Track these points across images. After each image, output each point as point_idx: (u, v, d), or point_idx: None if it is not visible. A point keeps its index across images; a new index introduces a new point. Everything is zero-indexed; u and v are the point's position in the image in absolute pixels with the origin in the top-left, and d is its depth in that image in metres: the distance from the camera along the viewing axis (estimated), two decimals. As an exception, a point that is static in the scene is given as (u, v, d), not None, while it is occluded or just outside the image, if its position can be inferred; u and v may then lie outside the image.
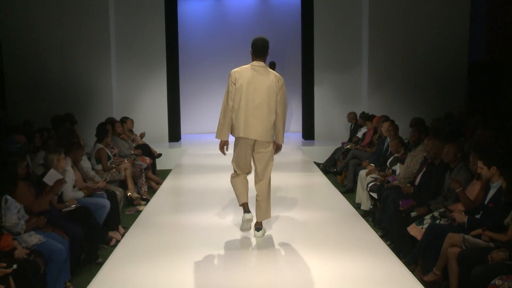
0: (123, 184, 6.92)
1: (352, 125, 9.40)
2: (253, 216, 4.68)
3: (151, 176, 7.84)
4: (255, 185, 4.72)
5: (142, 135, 8.97)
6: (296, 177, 7.37)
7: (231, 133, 4.65)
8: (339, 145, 9.23)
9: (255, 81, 4.57)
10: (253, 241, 4.61)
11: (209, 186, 6.74)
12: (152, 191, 7.45)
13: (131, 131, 8.64)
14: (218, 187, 6.57)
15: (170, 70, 10.81)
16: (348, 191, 7.45)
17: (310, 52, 10.83)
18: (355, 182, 7.33)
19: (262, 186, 4.67)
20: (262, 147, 4.64)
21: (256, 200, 4.69)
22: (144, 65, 10.74)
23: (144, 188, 7.23)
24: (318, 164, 8.60)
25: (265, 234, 4.70)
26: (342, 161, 8.19)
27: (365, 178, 6.55)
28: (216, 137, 4.66)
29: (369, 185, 6.19)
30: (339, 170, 8.16)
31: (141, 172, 7.26)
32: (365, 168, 6.95)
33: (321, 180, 7.06)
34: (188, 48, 12.02)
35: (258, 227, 4.69)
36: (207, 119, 12.19)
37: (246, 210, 4.64)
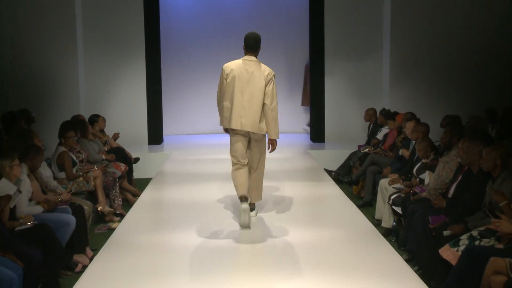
0: (92, 196, 6.88)
1: (371, 125, 9.35)
2: (249, 208, 5.52)
3: (126, 187, 7.84)
4: (249, 171, 5.79)
5: (116, 137, 8.93)
6: (303, 188, 7.38)
7: (223, 125, 5.73)
8: (355, 148, 9.24)
9: (246, 74, 5.59)
10: (251, 267, 4.62)
11: (197, 198, 6.73)
12: (127, 204, 7.45)
13: (102, 131, 8.58)
14: (208, 200, 6.58)
15: (150, 59, 10.80)
16: (366, 205, 7.44)
17: (320, 36, 10.79)
18: (374, 194, 7.34)
19: (256, 178, 5.85)
20: (257, 139, 5.71)
21: (249, 185, 5.72)
22: (118, 52, 10.72)
23: (118, 201, 7.21)
24: (329, 172, 8.62)
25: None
26: (359, 168, 8.19)
27: (386, 188, 6.55)
28: (220, 125, 5.84)
29: (392, 198, 6.18)
30: (354, 179, 8.16)
31: (115, 181, 7.25)
32: (386, 176, 6.93)
33: (333, 191, 7.06)
34: (172, 33, 12.00)
35: (252, 207, 5.86)
36: (195, 117, 12.26)
37: (244, 200, 5.53)
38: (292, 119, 12.40)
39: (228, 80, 5.65)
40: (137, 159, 8.95)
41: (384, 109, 9.02)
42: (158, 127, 11.11)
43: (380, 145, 8.39)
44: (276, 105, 5.64)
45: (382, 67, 10.80)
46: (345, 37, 10.78)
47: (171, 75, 12.11)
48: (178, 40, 12.16)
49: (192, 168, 8.59)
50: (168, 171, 8.60)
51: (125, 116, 10.75)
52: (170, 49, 12.01)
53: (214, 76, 11.61)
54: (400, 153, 7.37)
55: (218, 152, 9.74)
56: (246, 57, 5.70)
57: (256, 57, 5.70)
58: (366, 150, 8.46)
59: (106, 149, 8.21)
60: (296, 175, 8.07)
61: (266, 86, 5.60)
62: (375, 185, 7.44)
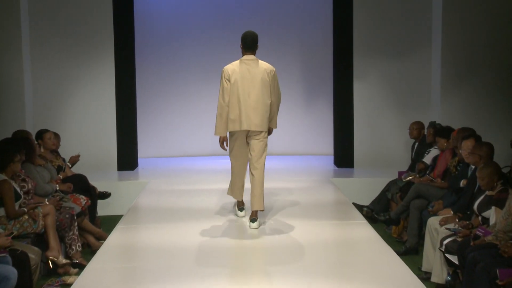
0: (41, 241, 6.79)
1: (416, 144, 9.35)
2: (245, 214, 7.30)
3: (88, 227, 7.80)
4: (250, 174, 7.17)
5: (75, 160, 8.94)
6: (326, 229, 7.35)
7: (232, 129, 6.98)
8: (394, 176, 9.23)
9: (248, 75, 6.96)
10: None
11: (181, 243, 6.71)
12: (89, 251, 7.45)
13: (55, 153, 8.55)
14: (194, 245, 6.55)
15: (121, 60, 10.96)
16: (410, 252, 7.42)
17: (347, 29, 10.90)
18: (421, 237, 7.33)
19: (257, 175, 7.08)
20: (256, 135, 7.04)
21: (252, 189, 7.06)
22: (78, 52, 10.84)
23: (76, 247, 7.13)
24: (360, 207, 8.62)
25: (260, 226, 7.02)
26: (400, 202, 8.18)
27: (437, 230, 6.52)
28: (216, 134, 7.15)
29: (445, 243, 6.13)
30: (394, 217, 8.15)
31: (72, 220, 7.17)
32: (437, 214, 6.91)
33: (365, 233, 7.02)
34: (150, 28, 12.24)
35: (253, 218, 7.09)
36: (178, 136, 12.50)
37: (240, 207, 7.47)
38: (310, 137, 12.50)
39: (231, 82, 6.98)
40: (106, 194, 8.94)
41: (433, 123, 9.00)
42: (132, 148, 11.17)
43: (428, 172, 8.38)
44: (280, 101, 7.21)
45: (431, 68, 10.89)
46: (380, 30, 10.89)
47: (148, 82, 12.28)
48: (158, 36, 12.32)
49: (176, 202, 8.57)
50: (143, 206, 8.59)
51: (87, 134, 10.83)
52: (148, 48, 12.17)
53: (204, 83, 12.04)
54: (461, 184, 7.26)
55: (209, 180, 9.88)
56: (245, 57, 7.09)
57: (254, 55, 7.07)
58: (410, 178, 8.47)
59: (60, 176, 8.15)
60: (316, 212, 8.03)
61: (270, 85, 7.03)
62: (421, 226, 7.41)
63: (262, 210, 7.19)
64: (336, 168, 11.12)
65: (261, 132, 7.09)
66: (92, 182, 8.79)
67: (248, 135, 7.15)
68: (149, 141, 12.33)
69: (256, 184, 7.14)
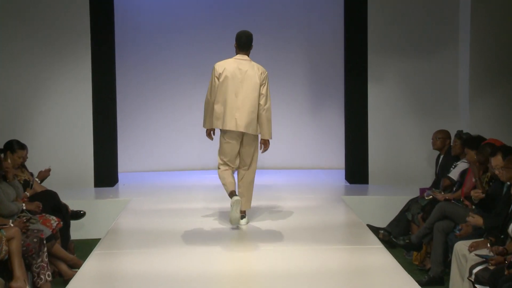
0: (4, 269, 6.72)
1: (441, 156, 9.39)
2: (240, 200, 7.74)
3: (59, 253, 7.75)
4: (238, 175, 8.15)
5: (44, 175, 8.90)
6: (337, 254, 7.35)
7: (216, 126, 7.89)
8: (415, 193, 9.27)
9: (239, 74, 7.78)
10: None
11: (166, 270, 6.65)
12: (60, 280, 7.42)
13: (22, 167, 8.48)
14: (183, 273, 6.52)
15: (99, 60, 10.98)
16: (434, 281, 7.40)
17: (360, 23, 10.91)
18: (446, 265, 7.33)
19: (247, 177, 8.10)
20: (249, 140, 7.95)
21: (239, 190, 8.04)
22: (49, 51, 10.82)
23: (46, 276, 7.08)
24: (375, 230, 8.68)
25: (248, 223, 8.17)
26: (422, 224, 8.22)
27: (465, 257, 6.51)
28: (203, 127, 8.13)
29: (475, 271, 6.10)
30: (415, 242, 8.12)
31: (41, 245, 7.13)
32: (465, 237, 6.90)
33: (382, 259, 6.96)
34: (131, 25, 12.26)
35: (242, 215, 8.09)
36: (164, 147, 12.57)
37: (234, 194, 7.80)
38: (317, 149, 12.55)
39: (220, 80, 7.83)
40: (80, 214, 8.93)
41: (461, 132, 8.99)
42: (111, 162, 11.21)
43: (455, 189, 8.37)
44: (270, 106, 7.95)
45: (458, 70, 10.92)
46: (399, 25, 10.95)
47: (131, 86, 12.33)
48: (142, 33, 12.39)
49: (161, 224, 8.57)
50: (124, 228, 8.59)
51: (59, 144, 10.87)
52: (130, 47, 12.26)
53: (195, 87, 12.29)
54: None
55: (199, 198, 9.96)
56: (238, 56, 7.95)
57: (248, 56, 7.93)
58: (433, 195, 8.43)
59: (28, 194, 8.11)
60: (325, 235, 8.02)
61: (260, 86, 7.84)
62: (447, 252, 7.43)
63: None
64: (348, 184, 11.11)
65: (253, 136, 7.94)
66: (65, 200, 8.73)
67: (242, 139, 7.95)
68: (131, 154, 12.31)
69: (245, 186, 8.13)
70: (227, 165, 8.04)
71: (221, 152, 8.09)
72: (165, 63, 12.52)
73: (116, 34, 11.27)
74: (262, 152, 8.14)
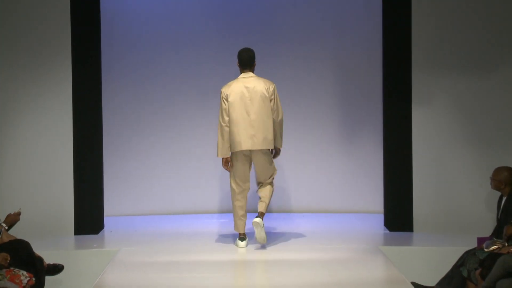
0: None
1: (504, 198, 9.15)
2: (261, 222, 9.13)
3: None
4: (258, 190, 9.60)
5: (14, 220, 8.65)
6: None
7: (233, 149, 9.15)
8: (472, 244, 9.01)
9: (246, 93, 9.13)
10: None
11: None
12: None
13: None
14: None
15: (82, 78, 10.81)
16: None
17: (403, 34, 10.77)
18: None
19: (266, 190, 9.53)
20: (260, 153, 9.23)
21: (260, 194, 9.60)
22: (22, 68, 10.72)
23: None
24: None
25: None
26: (481, 282, 7.97)
27: None
28: (218, 156, 9.29)
29: None
30: None
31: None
32: None
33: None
34: (122, 35, 12.28)
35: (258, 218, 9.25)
36: (160, 186, 12.43)
37: (242, 237, 9.51)
38: (350, 188, 12.40)
39: (229, 101, 9.08)
40: (58, 268, 8.76)
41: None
42: (95, 204, 10.90)
43: (523, 239, 7.97)
44: (282, 118, 9.36)
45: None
46: (451, 36, 10.66)
47: (120, 111, 12.23)
48: (132, 53, 12.25)
49: (157, 280, 8.39)
50: (111, 285, 8.41)
51: (33, 183, 10.63)
52: (120, 63, 12.10)
53: (199, 110, 12.48)
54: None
55: (203, 249, 9.83)
56: (243, 74, 9.26)
57: (253, 72, 9.25)
58: (494, 247, 8.28)
59: (-6, 243, 7.76)
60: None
61: (270, 101, 9.16)
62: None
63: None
64: (388, 232, 10.85)
65: (267, 150, 9.28)
66: (38, 251, 8.54)
67: (251, 155, 9.26)
68: (120, 194, 12.04)
69: (264, 198, 9.55)
70: (241, 186, 9.40)
71: (233, 175, 9.36)
72: (161, 88, 12.41)
73: (103, 54, 11.15)
74: (274, 157, 9.49)
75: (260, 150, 9.26)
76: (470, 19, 10.67)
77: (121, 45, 12.24)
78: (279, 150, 9.52)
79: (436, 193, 10.81)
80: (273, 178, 9.61)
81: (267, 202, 9.53)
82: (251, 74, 9.25)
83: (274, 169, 9.57)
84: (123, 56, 12.25)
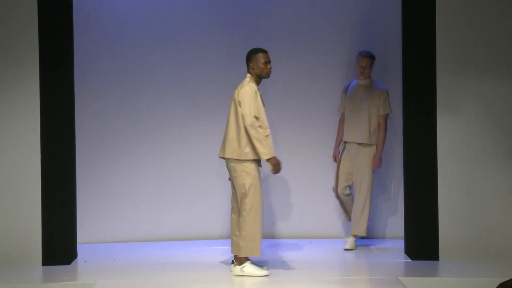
0: None
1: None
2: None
3: None
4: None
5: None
6: None
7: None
8: (508, 274, 8.88)
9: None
10: None
11: None
12: None
13: None
14: None
15: (51, 86, 10.72)
16: None
17: (426, 32, 10.71)
18: None
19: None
20: (231, 172, 9.66)
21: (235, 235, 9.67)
22: None
23: None
24: None
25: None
26: None
27: None
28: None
29: None
30: None
31: None
32: None
33: None
34: (98, 36, 12.39)
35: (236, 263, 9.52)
36: (141, 209, 12.44)
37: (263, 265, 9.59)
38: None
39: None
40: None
41: None
42: (67, 230, 10.68)
43: None
44: (252, 122, 9.55)
45: None
46: (480, 35, 10.65)
47: (94, 123, 12.29)
48: (115, 48, 12.35)
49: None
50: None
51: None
52: (95, 68, 12.14)
53: (190, 121, 12.61)
54: None
55: (188, 280, 9.74)
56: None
57: (248, 74, 9.74)
58: (535, 278, 7.42)
59: None
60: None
61: (236, 107, 9.56)
62: None
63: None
64: (409, 260, 10.65)
65: (234, 161, 9.63)
66: (0, 284, 8.77)
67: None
68: (96, 218, 11.92)
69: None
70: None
71: (259, 188, 9.94)
72: (142, 96, 12.48)
73: (75, 47, 11.10)
74: (273, 172, 9.69)
75: (228, 160, 9.72)
76: (500, 14, 10.80)
77: (97, 46, 12.44)
78: (272, 160, 9.71)
79: (465, 214, 10.61)
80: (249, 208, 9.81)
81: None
82: (247, 75, 9.70)
83: (245, 191, 9.78)
84: (98, 59, 12.37)
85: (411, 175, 10.84)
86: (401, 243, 11.38)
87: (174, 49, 12.49)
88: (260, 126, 9.44)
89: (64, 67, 10.88)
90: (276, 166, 9.49)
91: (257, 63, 9.53)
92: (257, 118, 9.45)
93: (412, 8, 10.74)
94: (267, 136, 9.45)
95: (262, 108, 9.46)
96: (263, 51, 9.56)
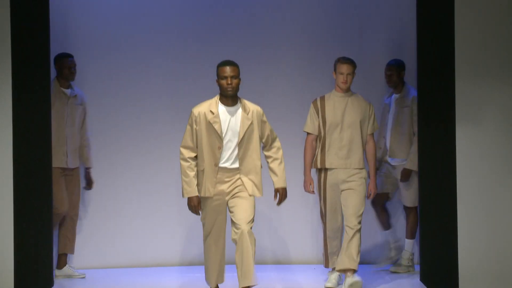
0: None
1: None
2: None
3: None
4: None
5: None
6: None
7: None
8: None
9: None
10: None
11: None
12: None
13: None
14: None
15: (25, 92, 10.34)
16: None
17: (444, 34, 10.30)
18: None
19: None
20: None
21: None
22: None
23: None
24: None
25: None
26: None
27: None
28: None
29: None
30: None
31: None
32: None
33: None
34: (77, 38, 12.03)
35: None
36: (129, 231, 12.23)
37: None
38: (375, 233, 12.20)
39: None
40: None
41: None
42: (43, 254, 10.41)
43: None
44: (180, 152, 9.42)
45: None
46: (503, 37, 10.26)
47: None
48: (98, 52, 12.06)
49: None
50: None
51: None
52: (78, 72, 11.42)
53: (173, 139, 11.80)
54: None
55: None
56: None
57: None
58: None
59: None
60: None
61: None
62: None
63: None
64: (424, 288, 9.97)
65: None
66: None
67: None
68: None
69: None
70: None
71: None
72: (125, 108, 12.34)
73: (52, 50, 10.81)
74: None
75: None
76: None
77: (81, 39, 12.35)
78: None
79: (488, 239, 10.31)
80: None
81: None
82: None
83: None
84: (85, 54, 12.17)
85: (426, 195, 10.64)
86: (416, 270, 11.31)
87: (160, 59, 12.80)
88: (186, 159, 9.21)
89: (39, 67, 10.79)
90: (191, 209, 9.35)
91: (217, 77, 9.06)
92: (185, 148, 9.17)
93: (427, 11, 10.78)
94: (191, 172, 9.24)
95: (204, 137, 9.09)
96: (223, 64, 8.96)
